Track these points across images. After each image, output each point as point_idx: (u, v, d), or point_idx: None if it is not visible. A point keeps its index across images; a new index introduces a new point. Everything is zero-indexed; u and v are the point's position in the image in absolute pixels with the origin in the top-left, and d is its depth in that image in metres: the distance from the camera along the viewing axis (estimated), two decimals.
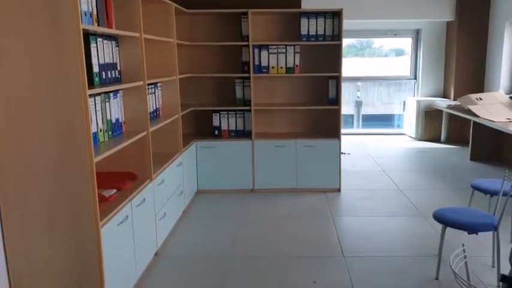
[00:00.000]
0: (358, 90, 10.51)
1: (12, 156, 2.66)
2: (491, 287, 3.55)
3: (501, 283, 2.66)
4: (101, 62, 3.33)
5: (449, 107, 8.39)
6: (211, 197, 5.80)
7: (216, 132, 6.06)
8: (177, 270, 3.97)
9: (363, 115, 10.37)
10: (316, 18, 5.80)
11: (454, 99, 8.88)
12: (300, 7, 6.36)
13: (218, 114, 6.02)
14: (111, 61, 3.55)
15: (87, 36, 3.08)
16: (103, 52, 3.37)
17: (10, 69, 2.57)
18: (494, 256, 3.75)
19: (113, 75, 3.58)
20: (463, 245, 3.28)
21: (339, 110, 5.93)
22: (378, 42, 11.23)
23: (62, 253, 2.78)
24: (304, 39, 5.86)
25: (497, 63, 8.33)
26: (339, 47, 5.83)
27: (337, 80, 5.91)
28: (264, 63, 5.91)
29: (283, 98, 6.33)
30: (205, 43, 6.08)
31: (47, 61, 2.56)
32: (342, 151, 5.90)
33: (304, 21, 5.81)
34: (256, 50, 5.84)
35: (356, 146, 8.95)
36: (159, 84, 4.76)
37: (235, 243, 4.51)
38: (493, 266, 3.83)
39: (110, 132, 3.49)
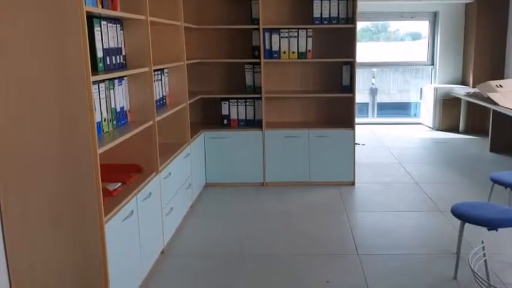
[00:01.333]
0: (373, 77, 10.36)
1: (11, 148, 2.58)
2: None
3: None
4: (105, 46, 3.24)
5: (468, 94, 8.25)
6: (220, 191, 5.73)
7: (225, 121, 5.97)
8: (185, 269, 3.92)
9: (378, 103, 10.24)
10: (330, 0, 5.66)
11: (473, 87, 8.73)
12: None
13: (227, 102, 5.92)
14: (116, 46, 3.46)
15: (91, 19, 2.98)
16: (107, 36, 3.27)
17: (8, 55, 2.48)
18: None
19: (118, 61, 3.49)
20: (482, 242, 3.21)
21: (353, 98, 5.82)
22: (393, 25, 11.04)
23: (64, 251, 2.71)
24: (317, 22, 5.73)
25: None
26: (353, 30, 5.70)
27: (351, 65, 5.79)
28: (275, 47, 5.79)
29: (295, 85, 6.22)
30: (213, 26, 5.95)
31: (48, 46, 2.47)
32: (356, 142, 5.79)
33: (317, 3, 5.68)
34: (267, 34, 5.72)
35: (371, 136, 8.84)
36: (165, 71, 4.67)
37: (244, 241, 4.45)
38: None
39: (115, 122, 3.42)
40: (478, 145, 8.12)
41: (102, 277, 2.73)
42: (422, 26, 10.22)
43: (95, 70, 3.00)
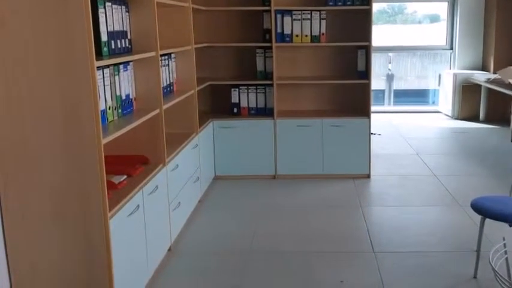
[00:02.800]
0: (390, 62, 10.20)
1: (10, 138, 2.50)
2: None
3: None
4: (110, 29, 3.14)
5: (489, 81, 8.10)
6: (229, 184, 5.67)
7: (235, 110, 5.87)
8: (192, 267, 3.86)
9: (394, 90, 10.08)
10: None
11: (494, 72, 8.57)
12: None
13: (237, 89, 5.82)
14: (121, 29, 3.36)
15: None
16: (112, 19, 3.18)
17: (7, 39, 2.39)
18: None
19: (123, 45, 3.40)
20: (504, 239, 3.13)
21: (368, 85, 5.72)
22: (410, 7, 10.84)
23: (66, 248, 2.65)
24: (331, 3, 5.60)
25: None
26: (368, 12, 5.55)
27: (367, 50, 5.67)
28: (287, 30, 5.68)
29: (308, 71, 6.11)
30: (223, 8, 5.83)
31: (49, 29, 2.38)
32: (372, 131, 5.69)
33: None
34: (278, 16, 5.59)
35: (387, 126, 8.72)
36: (172, 55, 4.58)
37: (255, 237, 4.39)
38: None
39: (120, 110, 3.33)
40: (499, 135, 8.00)
41: (106, 276, 2.67)
42: (441, 8, 10.02)
43: (99, 55, 2.91)
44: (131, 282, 3.09)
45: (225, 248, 4.18)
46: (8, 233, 2.65)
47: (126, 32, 3.45)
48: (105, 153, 2.60)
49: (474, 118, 9.07)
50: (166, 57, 4.27)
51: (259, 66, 5.83)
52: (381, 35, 9.62)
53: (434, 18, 10.61)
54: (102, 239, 2.62)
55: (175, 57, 4.67)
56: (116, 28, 3.25)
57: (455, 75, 9.08)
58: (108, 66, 3.04)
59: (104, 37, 3.04)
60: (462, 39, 9.50)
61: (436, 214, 4.84)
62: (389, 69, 10.16)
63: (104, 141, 2.61)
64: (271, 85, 5.69)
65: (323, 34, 5.70)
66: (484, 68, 9.43)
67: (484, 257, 3.52)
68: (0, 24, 2.37)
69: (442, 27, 9.97)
